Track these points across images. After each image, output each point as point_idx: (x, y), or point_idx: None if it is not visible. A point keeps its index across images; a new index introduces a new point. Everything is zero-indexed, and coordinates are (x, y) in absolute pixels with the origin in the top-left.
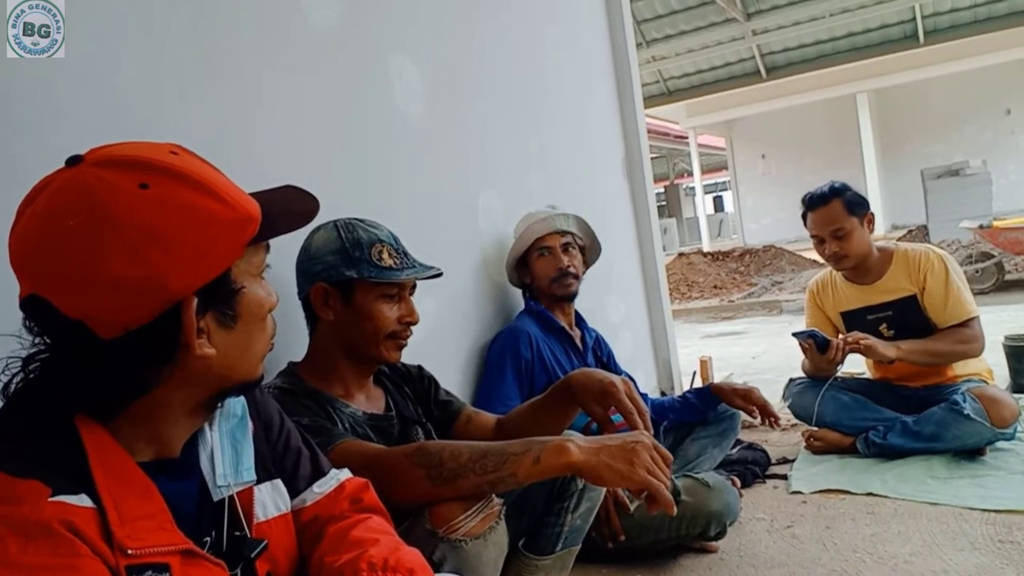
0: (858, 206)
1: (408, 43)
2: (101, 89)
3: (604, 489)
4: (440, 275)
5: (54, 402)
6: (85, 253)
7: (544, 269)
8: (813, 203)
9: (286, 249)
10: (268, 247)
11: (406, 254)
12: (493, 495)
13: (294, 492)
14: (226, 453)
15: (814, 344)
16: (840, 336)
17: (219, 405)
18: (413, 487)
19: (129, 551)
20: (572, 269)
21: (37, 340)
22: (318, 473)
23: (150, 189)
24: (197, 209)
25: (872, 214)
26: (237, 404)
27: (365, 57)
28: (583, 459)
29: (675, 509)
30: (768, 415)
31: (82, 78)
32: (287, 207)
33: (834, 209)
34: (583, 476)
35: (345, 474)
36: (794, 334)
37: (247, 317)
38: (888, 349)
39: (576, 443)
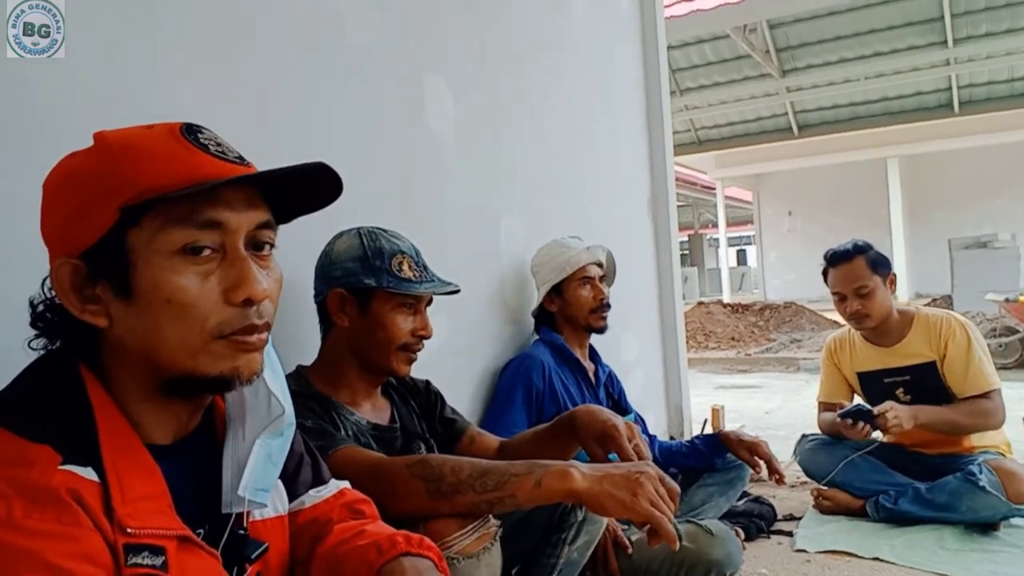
0: (881, 265)
1: (444, 65)
2: (101, 89)
3: (604, 523)
4: (458, 291)
5: (55, 355)
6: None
7: (585, 299)
8: (836, 259)
9: (304, 251)
10: (214, 224)
11: (426, 268)
12: (491, 516)
13: (293, 495)
14: (256, 471)
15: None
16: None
17: (190, 397)
18: (411, 499)
19: (128, 529)
20: (609, 301)
21: None
22: (319, 481)
23: (73, 156)
24: (78, 170)
25: (894, 274)
26: (290, 427)
27: (400, 74)
28: (586, 486)
29: (678, 544)
30: (773, 471)
31: (82, 78)
32: (239, 179)
33: (857, 266)
34: (585, 503)
35: (345, 484)
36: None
37: (144, 295)
38: (908, 421)
39: (580, 469)
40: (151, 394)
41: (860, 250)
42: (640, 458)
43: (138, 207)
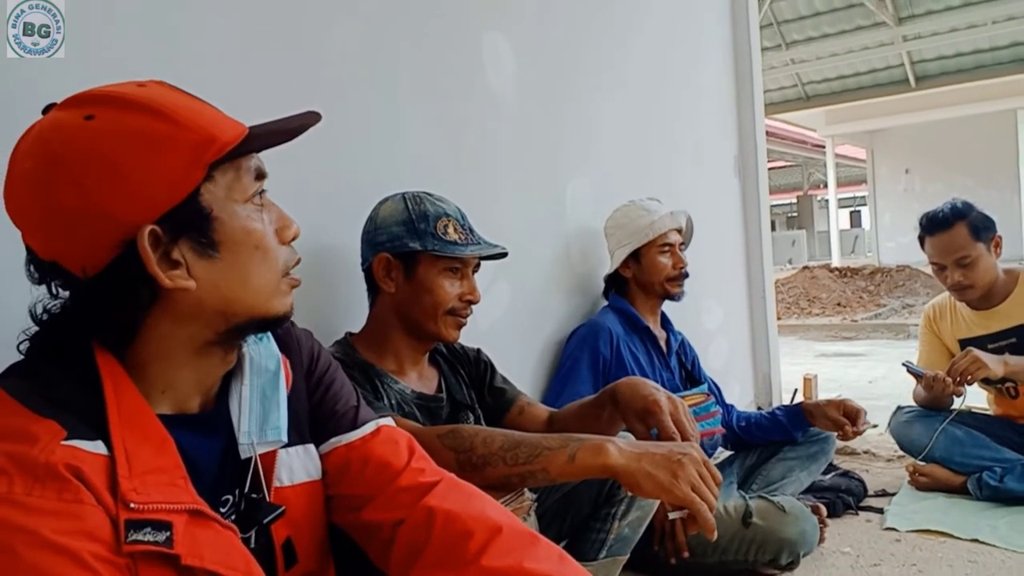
0: (984, 229)
1: (505, 21)
2: None
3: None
4: (505, 255)
5: (68, 339)
6: (38, 193)
7: (663, 267)
8: (933, 227)
9: (350, 217)
10: (260, 174)
11: (472, 230)
12: (525, 489)
13: (327, 436)
14: (253, 410)
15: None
16: (942, 374)
17: (239, 345)
18: None
19: (132, 505)
20: (687, 270)
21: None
22: (353, 426)
23: (94, 120)
24: (142, 133)
25: (999, 237)
26: (272, 359)
27: (456, 32)
28: (622, 463)
29: (715, 534)
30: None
31: (82, 78)
32: (274, 126)
33: (957, 235)
34: (620, 481)
35: (385, 421)
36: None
37: (232, 246)
38: (997, 365)
39: (617, 445)
40: (197, 354)
41: (960, 215)
42: (683, 437)
43: (215, 162)
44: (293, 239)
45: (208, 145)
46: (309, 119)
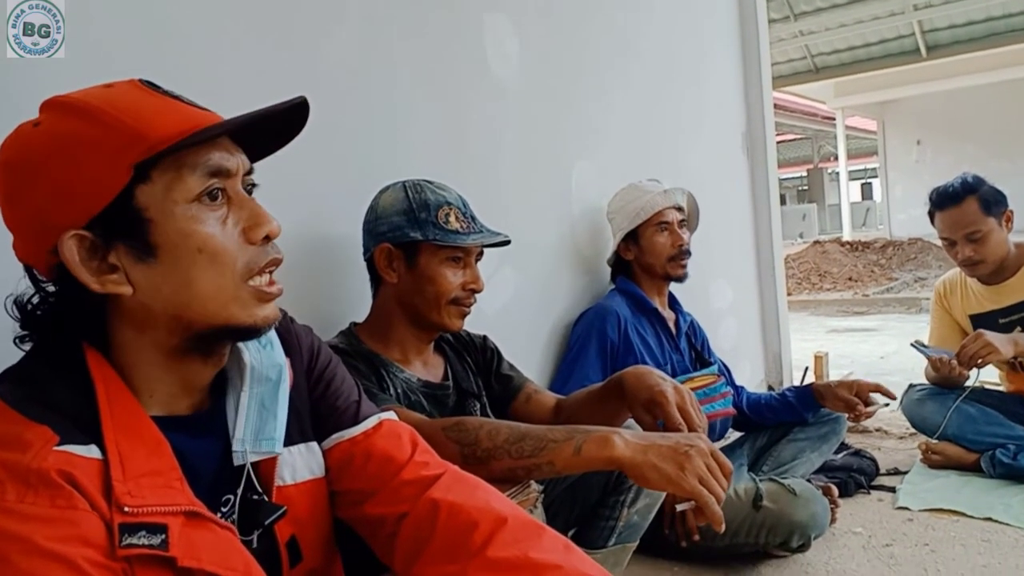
0: (996, 204)
1: (507, 1)
2: None
3: None
4: (508, 243)
5: (58, 341)
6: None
7: (662, 246)
8: (943, 202)
9: (352, 206)
10: (219, 171)
11: (474, 219)
12: (532, 481)
13: (329, 432)
14: (250, 419)
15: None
16: (952, 359)
17: (220, 352)
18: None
19: (126, 508)
20: (689, 248)
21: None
22: (355, 421)
23: (39, 126)
24: (67, 138)
25: (1011, 211)
26: (273, 369)
27: (456, 14)
28: (628, 455)
29: (723, 527)
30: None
31: (82, 78)
32: (253, 115)
33: (968, 209)
34: (626, 473)
35: (388, 416)
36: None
37: (171, 249)
38: (1007, 346)
39: (623, 436)
40: (171, 358)
41: (970, 189)
42: (690, 428)
43: (147, 162)
44: (268, 238)
45: (132, 145)
46: (288, 104)
